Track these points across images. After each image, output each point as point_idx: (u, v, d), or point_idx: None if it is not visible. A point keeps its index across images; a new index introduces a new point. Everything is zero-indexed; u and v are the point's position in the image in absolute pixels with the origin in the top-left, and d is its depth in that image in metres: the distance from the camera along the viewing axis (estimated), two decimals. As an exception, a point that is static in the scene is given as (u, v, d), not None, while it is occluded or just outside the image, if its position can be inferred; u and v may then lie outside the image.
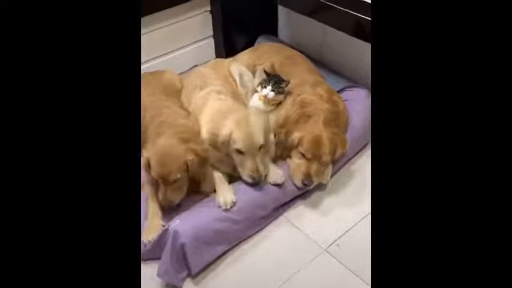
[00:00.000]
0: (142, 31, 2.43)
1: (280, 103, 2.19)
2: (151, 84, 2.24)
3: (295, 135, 1.95)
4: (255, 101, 2.21)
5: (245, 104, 2.25)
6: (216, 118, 1.91)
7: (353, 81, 2.46)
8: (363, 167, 2.20)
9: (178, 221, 1.74)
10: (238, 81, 2.33)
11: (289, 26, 2.88)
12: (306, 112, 2.01)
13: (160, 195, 1.79)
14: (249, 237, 1.89)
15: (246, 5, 2.72)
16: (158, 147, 1.78)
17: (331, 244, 1.86)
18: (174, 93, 2.29)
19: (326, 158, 1.95)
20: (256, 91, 2.28)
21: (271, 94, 2.11)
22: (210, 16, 2.68)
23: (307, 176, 1.93)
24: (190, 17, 2.62)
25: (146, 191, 1.88)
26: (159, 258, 1.76)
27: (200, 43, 2.75)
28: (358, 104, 2.26)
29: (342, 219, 1.96)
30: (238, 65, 2.39)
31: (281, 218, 1.98)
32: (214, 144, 1.88)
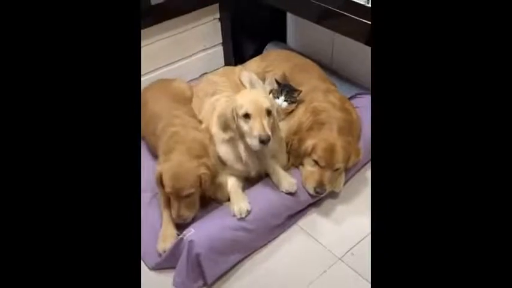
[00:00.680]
0: (152, 39, 2.44)
1: (292, 111, 2.18)
2: (162, 92, 2.24)
3: (309, 143, 1.94)
4: None
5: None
6: (225, 105, 1.93)
7: (364, 89, 2.46)
8: (374, 174, 2.19)
9: (193, 230, 1.74)
10: (248, 88, 2.33)
11: (298, 33, 2.89)
12: (319, 120, 2.01)
13: (173, 212, 1.80)
14: (263, 246, 1.89)
15: (255, 12, 2.73)
16: (171, 163, 1.79)
17: (345, 253, 1.85)
18: (184, 101, 2.29)
19: (339, 166, 1.94)
20: None
21: (285, 104, 2.11)
22: (219, 24, 2.69)
23: (320, 184, 1.92)
24: (199, 25, 2.62)
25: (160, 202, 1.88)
26: (174, 267, 1.76)
27: (209, 51, 2.75)
28: (370, 111, 2.26)
29: (356, 228, 1.94)
30: (249, 73, 2.39)
31: (294, 226, 1.97)
32: (225, 123, 1.87)
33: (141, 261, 1.83)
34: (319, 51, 2.71)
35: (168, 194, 1.80)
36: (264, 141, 1.74)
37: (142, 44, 2.34)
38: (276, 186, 1.92)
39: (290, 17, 2.88)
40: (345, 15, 2.11)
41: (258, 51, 2.81)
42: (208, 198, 1.92)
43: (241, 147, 1.89)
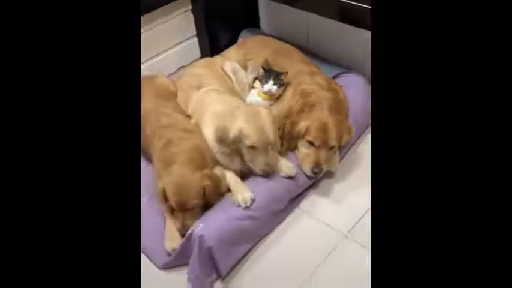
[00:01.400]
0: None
1: (279, 96, 2.19)
2: (145, 89, 2.20)
3: (302, 125, 1.96)
4: (254, 97, 2.21)
5: (243, 100, 2.25)
6: (224, 115, 1.90)
7: (344, 67, 2.49)
8: (365, 150, 2.24)
9: (201, 225, 1.73)
10: (233, 78, 2.32)
11: (271, 18, 2.88)
12: (308, 102, 2.03)
13: (178, 224, 1.78)
14: (270, 232, 1.91)
15: (227, 0, 2.70)
16: (173, 177, 1.77)
17: (350, 229, 1.89)
18: (170, 96, 2.26)
19: (333, 144, 1.97)
20: (252, 87, 2.28)
21: (275, 88, 2.12)
22: (191, 15, 2.65)
23: (317, 164, 1.94)
24: (171, 19, 2.58)
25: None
26: (183, 265, 1.76)
27: (184, 44, 2.71)
28: (355, 89, 2.30)
29: (356, 203, 1.99)
30: (231, 62, 2.38)
31: (297, 210, 2.00)
32: (224, 140, 1.87)
33: (150, 261, 1.82)
34: (295, 34, 2.72)
35: (171, 206, 1.79)
36: (267, 174, 1.84)
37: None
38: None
39: (262, 2, 2.87)
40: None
41: (233, 40, 2.79)
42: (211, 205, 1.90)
43: (237, 159, 1.92)
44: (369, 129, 2.31)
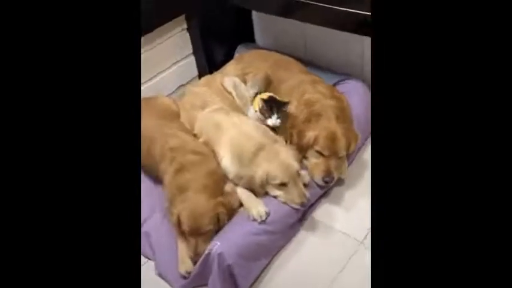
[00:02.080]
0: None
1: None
2: (148, 111, 2.19)
3: (310, 135, 1.97)
4: (253, 114, 2.19)
5: (245, 114, 2.25)
6: (242, 159, 1.89)
7: (344, 75, 2.51)
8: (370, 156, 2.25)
9: (218, 243, 1.72)
10: (234, 93, 2.33)
11: (266, 31, 2.90)
12: (314, 111, 2.04)
13: (191, 250, 1.77)
14: (288, 243, 1.90)
15: (222, 17, 2.73)
16: (188, 203, 1.77)
17: (366, 236, 1.89)
18: (173, 116, 2.26)
19: (343, 153, 1.98)
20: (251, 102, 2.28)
21: (278, 121, 2.08)
22: (187, 34, 2.66)
23: (328, 173, 1.95)
24: (168, 39, 2.58)
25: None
26: (204, 285, 1.75)
27: (181, 63, 2.71)
28: (356, 96, 2.31)
29: (368, 209, 1.98)
30: (230, 78, 2.38)
31: (311, 219, 1.99)
32: (251, 185, 1.89)
33: (167, 284, 1.82)
34: (291, 45, 2.73)
35: (184, 231, 1.79)
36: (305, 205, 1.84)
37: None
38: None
39: (255, 16, 2.88)
40: (310, 4, 2.16)
41: (229, 56, 2.80)
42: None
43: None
44: (372, 136, 2.32)
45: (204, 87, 2.35)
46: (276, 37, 2.84)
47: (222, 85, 2.36)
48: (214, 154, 1.99)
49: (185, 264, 1.77)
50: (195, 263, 1.76)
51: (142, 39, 2.41)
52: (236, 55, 2.80)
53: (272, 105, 2.10)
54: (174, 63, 2.69)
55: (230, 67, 2.55)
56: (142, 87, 2.53)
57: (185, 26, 2.63)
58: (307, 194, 1.83)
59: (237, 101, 2.31)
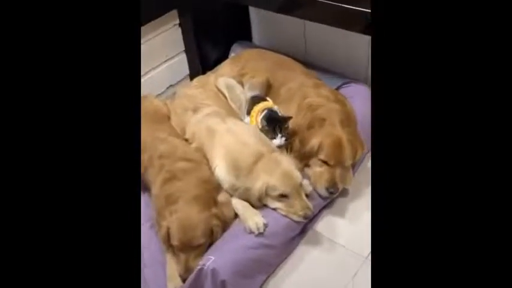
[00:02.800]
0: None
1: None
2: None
3: (313, 142, 1.82)
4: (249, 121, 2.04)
5: (240, 118, 2.10)
6: (239, 169, 1.73)
7: (347, 78, 2.37)
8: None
9: (212, 257, 1.57)
10: (227, 95, 2.18)
11: (265, 29, 2.76)
12: (317, 115, 1.89)
13: (180, 266, 1.61)
14: (286, 259, 1.75)
15: (217, 12, 2.58)
16: (178, 215, 1.62)
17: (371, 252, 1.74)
18: (162, 119, 2.11)
19: (348, 162, 1.84)
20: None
21: (283, 140, 1.91)
22: (179, 30, 2.50)
23: (333, 183, 1.81)
24: (158, 35, 2.43)
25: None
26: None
27: (172, 61, 2.55)
28: (360, 100, 2.16)
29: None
30: (225, 79, 2.23)
31: (312, 232, 1.84)
32: (245, 196, 1.74)
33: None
34: (291, 45, 2.58)
35: (174, 246, 1.63)
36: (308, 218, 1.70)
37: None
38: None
39: (253, 12, 2.74)
40: (317, 1, 2.01)
41: (224, 55, 2.66)
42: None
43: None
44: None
45: (198, 89, 2.20)
46: (275, 36, 2.70)
47: (217, 87, 2.20)
48: (207, 161, 1.84)
49: (174, 282, 1.62)
50: (184, 280, 1.60)
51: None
52: (231, 54, 2.66)
53: (275, 125, 1.92)
54: (164, 61, 2.53)
55: (226, 67, 2.40)
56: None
57: (177, 21, 2.48)
58: (311, 205, 1.68)
59: (231, 104, 2.16)
